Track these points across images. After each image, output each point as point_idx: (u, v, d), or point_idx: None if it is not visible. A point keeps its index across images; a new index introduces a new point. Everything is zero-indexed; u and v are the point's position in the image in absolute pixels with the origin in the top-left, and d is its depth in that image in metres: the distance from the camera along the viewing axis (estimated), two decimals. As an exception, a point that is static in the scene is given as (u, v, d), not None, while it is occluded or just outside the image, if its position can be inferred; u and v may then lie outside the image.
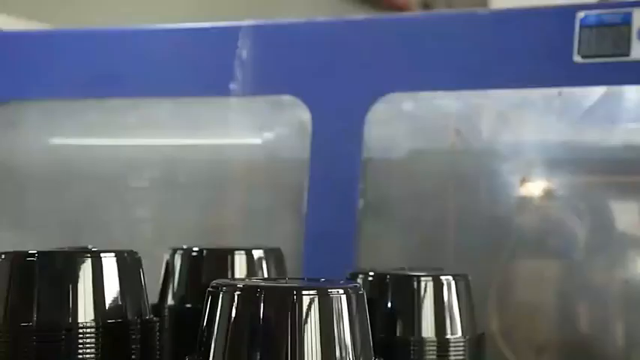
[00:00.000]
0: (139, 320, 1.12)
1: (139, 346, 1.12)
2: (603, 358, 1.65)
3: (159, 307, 1.40)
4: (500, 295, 1.72)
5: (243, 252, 1.42)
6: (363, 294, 1.06)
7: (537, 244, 1.72)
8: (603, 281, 1.68)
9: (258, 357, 1.00)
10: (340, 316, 1.03)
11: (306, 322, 1.01)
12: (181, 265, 1.42)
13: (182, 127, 1.99)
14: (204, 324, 1.06)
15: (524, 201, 1.74)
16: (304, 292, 1.02)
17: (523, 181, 1.73)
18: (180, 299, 1.41)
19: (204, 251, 1.42)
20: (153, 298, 1.31)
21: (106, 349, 1.08)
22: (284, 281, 1.11)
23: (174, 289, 1.41)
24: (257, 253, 1.42)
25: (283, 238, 1.71)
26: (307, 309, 1.01)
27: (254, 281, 1.10)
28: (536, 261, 1.73)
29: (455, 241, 1.77)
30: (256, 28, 1.85)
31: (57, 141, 2.09)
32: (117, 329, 1.10)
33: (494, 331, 1.68)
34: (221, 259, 1.41)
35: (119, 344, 1.10)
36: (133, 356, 1.11)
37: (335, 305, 1.03)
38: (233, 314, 1.03)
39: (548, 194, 1.73)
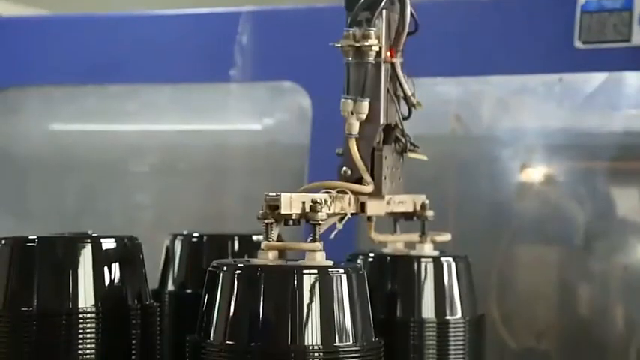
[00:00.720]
0: (139, 305, 1.13)
1: (139, 330, 1.12)
2: (602, 341, 1.66)
3: (159, 293, 1.40)
4: (500, 280, 1.73)
5: (243, 237, 1.42)
6: (363, 274, 1.06)
7: (537, 230, 1.72)
8: (603, 266, 1.68)
9: (259, 337, 1.01)
10: (341, 295, 1.03)
11: (306, 301, 1.01)
12: (181, 251, 1.42)
13: (182, 113, 1.99)
14: (204, 304, 1.06)
15: (525, 187, 1.74)
16: (305, 272, 1.02)
17: (523, 166, 1.73)
18: (180, 284, 1.41)
19: (205, 237, 1.42)
20: (153, 283, 1.31)
21: (106, 334, 1.08)
22: (284, 262, 1.12)
23: (175, 275, 1.41)
24: (257, 239, 1.42)
25: (283, 224, 1.71)
26: (308, 288, 1.01)
27: (254, 261, 1.10)
28: (536, 246, 1.73)
29: (455, 227, 1.77)
30: (256, 14, 1.85)
31: (57, 127, 2.09)
32: (117, 314, 1.10)
33: (494, 316, 1.68)
34: (221, 244, 1.41)
35: (119, 329, 1.10)
36: (133, 341, 1.11)
37: (335, 285, 1.03)
38: (233, 294, 1.03)
39: (548, 180, 1.73)
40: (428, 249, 1.32)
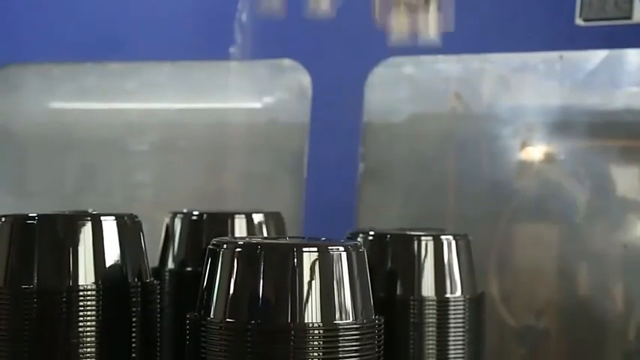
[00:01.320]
0: (139, 283, 1.13)
1: (139, 308, 1.12)
2: (601, 319, 1.66)
3: (159, 271, 1.40)
4: (500, 258, 1.73)
5: (243, 216, 1.42)
6: (363, 252, 1.07)
7: (537, 208, 1.72)
8: (602, 244, 1.68)
9: (259, 314, 1.01)
10: (341, 273, 1.03)
11: (306, 279, 1.01)
12: (181, 229, 1.42)
13: (182, 91, 1.98)
14: (205, 282, 1.06)
15: (525, 165, 1.74)
16: (305, 249, 1.02)
17: (523, 145, 1.73)
18: (180, 263, 1.41)
19: (205, 215, 1.42)
20: (153, 261, 1.32)
21: (106, 312, 1.08)
22: (284, 240, 1.12)
23: (175, 253, 1.42)
24: (257, 217, 1.42)
25: (283, 203, 1.71)
26: (307, 266, 1.02)
27: (254, 239, 1.10)
28: (536, 224, 1.73)
29: (455, 205, 1.77)
30: (256, -8, 1.84)
31: (56, 105, 2.09)
32: (117, 292, 1.10)
33: (494, 294, 1.68)
34: (221, 222, 1.41)
35: (119, 307, 1.10)
36: (134, 319, 1.11)
37: (335, 263, 1.03)
38: (233, 272, 1.03)
39: (548, 158, 1.73)
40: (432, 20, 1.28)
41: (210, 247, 1.07)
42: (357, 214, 1.76)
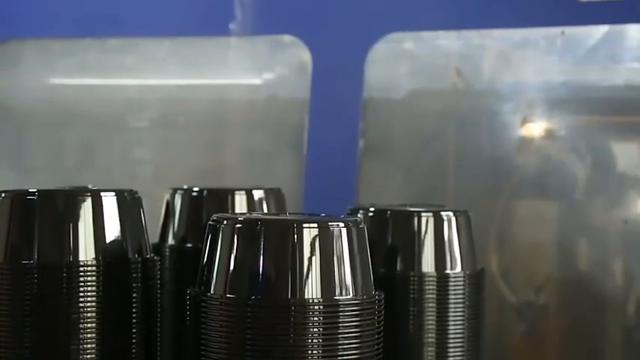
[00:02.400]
0: (139, 259, 1.13)
1: (139, 284, 1.12)
2: (601, 295, 1.66)
3: (159, 247, 1.40)
4: (500, 234, 1.73)
5: (243, 192, 1.42)
6: (363, 228, 1.07)
7: (537, 184, 1.72)
8: (602, 220, 1.68)
9: (259, 290, 1.01)
10: (341, 249, 1.03)
11: (306, 255, 1.01)
12: (182, 205, 1.42)
13: (181, 67, 1.98)
14: (205, 258, 1.06)
15: (525, 141, 1.73)
16: (305, 225, 1.02)
17: (524, 121, 1.73)
18: (180, 239, 1.41)
19: (205, 191, 1.42)
20: (153, 238, 1.32)
21: (106, 287, 1.08)
22: (285, 216, 1.12)
23: (175, 229, 1.42)
24: (257, 193, 1.42)
25: (283, 179, 1.71)
26: (308, 242, 1.02)
27: (254, 215, 1.10)
28: (537, 201, 1.73)
29: (455, 181, 1.77)
30: (256, -33, 1.84)
31: (56, 81, 2.08)
32: (117, 268, 1.10)
33: (493, 270, 1.69)
34: (221, 199, 1.41)
35: (120, 282, 1.10)
36: (134, 294, 1.11)
37: (335, 239, 1.03)
38: (233, 248, 1.03)
39: (549, 134, 1.73)
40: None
41: (210, 223, 1.07)
42: (357, 190, 1.76)
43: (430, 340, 1.25)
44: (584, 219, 1.70)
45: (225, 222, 1.05)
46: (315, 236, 1.02)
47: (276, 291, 1.01)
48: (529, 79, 1.74)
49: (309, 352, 1.01)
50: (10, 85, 2.05)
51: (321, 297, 1.01)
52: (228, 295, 1.03)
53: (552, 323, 1.72)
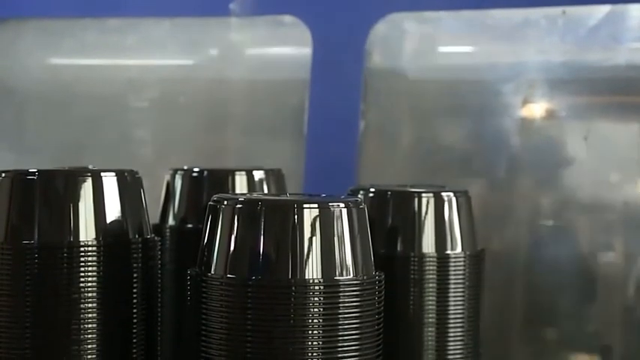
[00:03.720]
0: (139, 239, 1.13)
1: (139, 264, 1.12)
2: (601, 275, 1.67)
3: (160, 227, 1.40)
4: (500, 214, 1.73)
5: (243, 172, 1.42)
6: (364, 208, 1.07)
7: (538, 165, 1.72)
8: (603, 200, 1.68)
9: (259, 270, 1.01)
10: (341, 229, 1.03)
11: (307, 235, 1.01)
12: (182, 186, 1.42)
13: (182, 47, 1.97)
14: (205, 238, 1.07)
15: (526, 121, 1.73)
16: (305, 206, 1.02)
17: (525, 101, 1.72)
18: (181, 219, 1.41)
19: (205, 172, 1.42)
20: (154, 218, 1.32)
21: (107, 268, 1.08)
22: (285, 196, 1.12)
23: (175, 210, 1.42)
24: (258, 174, 1.42)
25: (283, 159, 1.71)
26: (308, 223, 1.02)
27: (255, 196, 1.10)
28: (537, 181, 1.73)
29: (456, 162, 1.77)
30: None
31: (56, 61, 2.08)
32: (118, 248, 1.10)
33: (494, 249, 1.69)
34: (222, 179, 1.41)
35: (120, 263, 1.10)
36: (134, 275, 1.11)
37: (336, 219, 1.03)
38: (234, 228, 1.03)
39: (549, 114, 1.72)
40: None
41: (210, 203, 1.07)
42: (358, 171, 1.76)
43: (430, 320, 1.26)
44: (585, 199, 1.70)
45: (225, 202, 1.05)
46: (316, 217, 1.02)
47: (277, 271, 1.01)
48: (530, 60, 1.73)
49: (310, 332, 1.01)
50: (10, 65, 2.05)
51: (322, 277, 1.02)
52: (228, 276, 1.03)
53: (553, 303, 1.72)
